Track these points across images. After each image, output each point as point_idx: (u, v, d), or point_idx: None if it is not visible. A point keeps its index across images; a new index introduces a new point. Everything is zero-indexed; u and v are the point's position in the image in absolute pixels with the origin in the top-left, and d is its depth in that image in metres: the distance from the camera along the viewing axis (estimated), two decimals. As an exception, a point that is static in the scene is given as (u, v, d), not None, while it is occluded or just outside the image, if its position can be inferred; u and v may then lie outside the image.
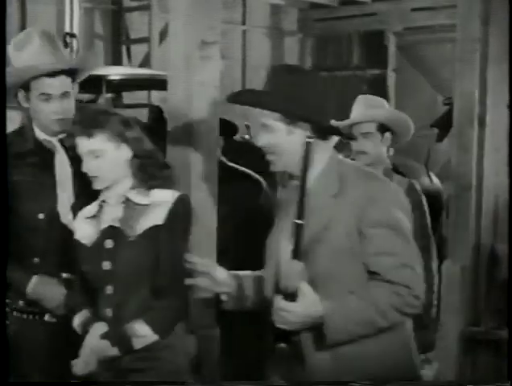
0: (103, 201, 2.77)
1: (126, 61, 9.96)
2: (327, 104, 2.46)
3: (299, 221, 2.34)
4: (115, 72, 7.62)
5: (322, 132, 2.45)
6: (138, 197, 2.73)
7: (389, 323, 2.36)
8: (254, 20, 11.43)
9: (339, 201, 2.38)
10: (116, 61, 9.87)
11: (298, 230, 2.34)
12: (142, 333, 2.63)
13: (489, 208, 3.99)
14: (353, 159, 3.70)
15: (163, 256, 2.68)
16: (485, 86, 3.96)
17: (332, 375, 2.41)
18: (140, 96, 8.69)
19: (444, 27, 9.66)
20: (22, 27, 8.55)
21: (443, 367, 4.11)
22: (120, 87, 7.68)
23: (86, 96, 6.55)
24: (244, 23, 11.33)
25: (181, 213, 2.73)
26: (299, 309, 2.30)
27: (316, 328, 2.34)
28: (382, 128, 3.76)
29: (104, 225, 2.74)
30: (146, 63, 9.71)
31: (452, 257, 4.12)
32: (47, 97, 2.99)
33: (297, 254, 2.33)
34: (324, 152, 2.47)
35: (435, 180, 5.67)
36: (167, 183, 2.79)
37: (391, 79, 11.33)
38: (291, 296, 2.30)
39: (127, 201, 2.74)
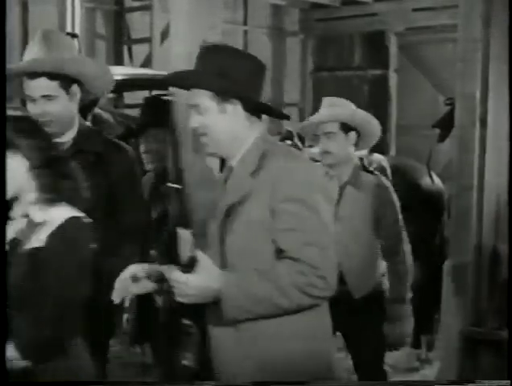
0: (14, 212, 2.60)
1: (128, 61, 9.97)
2: (260, 82, 2.44)
3: (173, 185, 2.31)
4: (116, 72, 7.62)
5: (253, 110, 2.43)
6: (35, 213, 2.52)
7: (293, 304, 2.27)
8: (256, 20, 11.43)
9: (256, 178, 2.35)
10: (117, 61, 9.88)
11: (176, 194, 2.30)
12: (12, 357, 2.42)
13: (490, 208, 3.99)
14: (317, 161, 3.74)
15: (42, 281, 2.44)
16: (486, 86, 3.96)
17: (236, 354, 2.36)
18: (141, 96, 8.69)
19: (446, 27, 9.67)
20: (24, 27, 8.56)
21: (444, 367, 4.11)
22: (121, 87, 7.68)
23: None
24: (245, 23, 11.33)
25: (66, 237, 2.45)
26: (193, 280, 2.23)
27: (215, 302, 2.26)
28: (346, 128, 3.80)
29: (10, 236, 2.55)
30: (147, 63, 9.72)
31: (454, 257, 4.12)
32: (30, 99, 2.99)
33: (182, 221, 2.28)
34: (254, 130, 2.44)
35: (437, 180, 5.67)
36: (70, 198, 2.54)
37: (393, 79, 11.34)
38: (186, 266, 2.25)
39: (27, 216, 2.54)
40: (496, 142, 3.96)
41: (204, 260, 2.25)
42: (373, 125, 3.92)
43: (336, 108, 3.86)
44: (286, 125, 6.88)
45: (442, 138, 4.90)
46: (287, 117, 2.59)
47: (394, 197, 3.91)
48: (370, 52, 11.62)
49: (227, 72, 2.37)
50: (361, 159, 5.46)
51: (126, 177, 3.06)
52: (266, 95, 11.52)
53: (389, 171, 5.56)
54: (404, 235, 3.91)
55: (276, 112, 2.57)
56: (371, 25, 11.29)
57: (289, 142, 6.17)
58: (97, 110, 6.54)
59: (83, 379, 2.51)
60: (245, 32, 11.31)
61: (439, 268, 4.26)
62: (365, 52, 11.72)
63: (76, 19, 8.73)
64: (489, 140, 3.97)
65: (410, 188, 5.55)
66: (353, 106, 3.97)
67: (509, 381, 2.51)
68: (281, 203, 2.30)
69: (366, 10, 11.27)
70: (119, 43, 10.03)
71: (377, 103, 11.42)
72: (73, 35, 8.58)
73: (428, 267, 5.54)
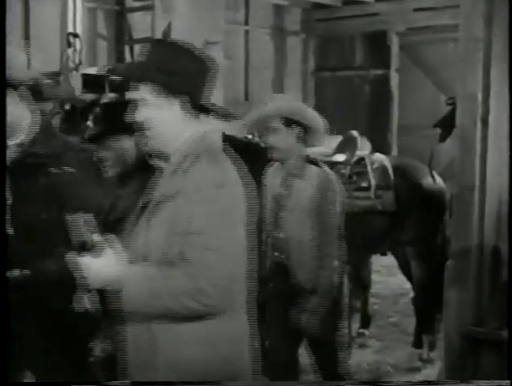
0: None
1: (129, 61, 9.98)
2: (203, 81, 2.43)
3: (67, 169, 2.32)
4: (118, 72, 7.63)
5: (196, 109, 2.42)
6: None
7: (181, 308, 2.24)
8: (257, 20, 11.43)
9: (181, 179, 2.34)
10: (119, 61, 9.88)
11: (69, 178, 2.33)
12: None
13: (492, 208, 3.99)
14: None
15: None
16: (487, 86, 3.95)
17: (147, 352, 2.34)
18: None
19: (447, 27, 9.67)
20: (25, 27, 8.57)
21: (446, 367, 4.11)
22: (123, 87, 7.70)
23: (90, 96, 6.56)
24: (247, 23, 11.33)
25: None
26: (90, 262, 2.25)
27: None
28: (289, 122, 3.83)
29: None
30: (148, 63, 9.72)
31: (455, 257, 4.12)
32: None
33: (75, 206, 2.30)
34: (196, 129, 2.43)
35: (439, 180, 5.67)
36: None
37: (394, 79, 11.34)
38: (79, 250, 2.26)
39: None
40: (497, 142, 3.96)
41: (112, 245, 2.27)
42: (312, 115, 3.91)
43: (276, 102, 3.89)
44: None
45: (443, 138, 4.90)
46: (234, 117, 2.56)
47: (335, 190, 3.87)
48: (372, 52, 11.63)
49: (168, 68, 2.37)
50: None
51: (82, 179, 3.01)
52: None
53: (391, 171, 5.56)
54: (337, 233, 3.85)
55: (222, 112, 2.52)
56: (372, 25, 11.30)
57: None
58: (98, 110, 6.53)
59: None
60: (247, 32, 11.31)
61: (440, 267, 4.26)
62: (366, 52, 11.72)
63: (77, 19, 8.74)
64: (490, 140, 3.97)
65: (411, 188, 5.55)
66: (295, 101, 4.00)
67: (509, 381, 2.52)
68: (192, 204, 2.28)
69: (368, 10, 11.27)
70: (121, 43, 10.03)
71: (378, 103, 11.41)
72: (75, 35, 8.61)
73: (430, 267, 5.55)
